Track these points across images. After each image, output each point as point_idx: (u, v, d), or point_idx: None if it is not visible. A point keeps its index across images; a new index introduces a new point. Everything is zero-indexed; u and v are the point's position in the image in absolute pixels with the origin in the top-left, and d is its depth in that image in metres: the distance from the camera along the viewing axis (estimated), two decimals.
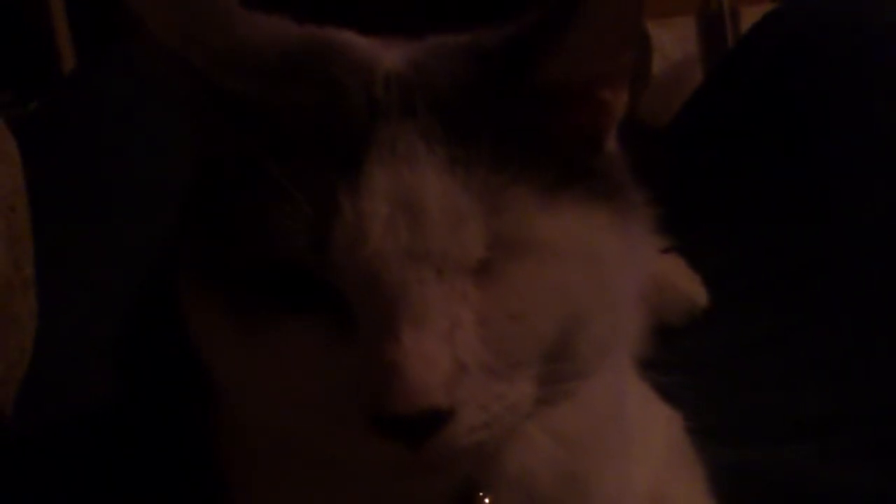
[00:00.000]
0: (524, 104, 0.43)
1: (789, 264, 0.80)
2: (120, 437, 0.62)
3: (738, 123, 0.94)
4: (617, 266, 0.44)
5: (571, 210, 0.43)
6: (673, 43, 1.60)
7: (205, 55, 0.42)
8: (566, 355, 0.43)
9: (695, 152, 0.96)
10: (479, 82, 0.43)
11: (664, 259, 0.82)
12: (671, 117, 1.07)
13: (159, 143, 0.76)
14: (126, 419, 0.63)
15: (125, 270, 0.74)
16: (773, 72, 0.95)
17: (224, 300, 0.42)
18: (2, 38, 1.27)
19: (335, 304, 0.40)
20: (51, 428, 0.63)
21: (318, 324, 0.40)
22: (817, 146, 0.86)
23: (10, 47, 1.27)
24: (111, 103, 0.87)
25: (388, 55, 0.46)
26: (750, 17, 1.26)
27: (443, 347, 0.39)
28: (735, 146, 0.92)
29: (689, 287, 0.81)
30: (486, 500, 0.47)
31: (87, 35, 1.33)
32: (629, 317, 0.50)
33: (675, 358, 0.65)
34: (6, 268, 0.58)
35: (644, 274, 0.53)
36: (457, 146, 0.41)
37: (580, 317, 0.43)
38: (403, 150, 0.40)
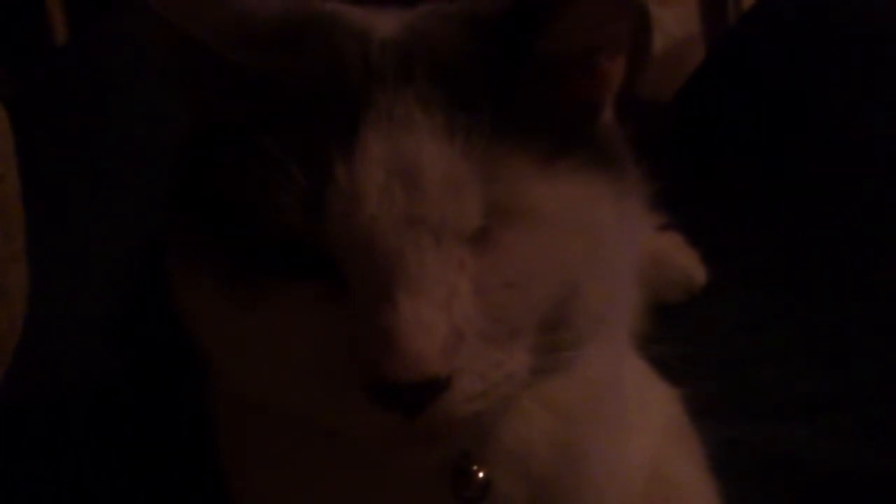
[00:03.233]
0: (522, 73, 0.43)
1: (787, 243, 0.79)
2: (112, 411, 0.62)
3: (739, 102, 0.94)
4: (612, 235, 0.44)
5: (568, 179, 0.43)
6: (674, 21, 1.59)
7: (206, 27, 0.42)
8: (562, 325, 0.43)
9: (695, 130, 0.95)
10: (478, 50, 0.43)
11: (663, 236, 0.81)
12: (672, 95, 1.07)
13: (152, 117, 0.76)
14: (119, 394, 0.63)
15: (117, 244, 0.74)
16: (774, 50, 0.95)
17: (217, 273, 0.42)
18: None
19: (331, 274, 0.40)
20: (41, 402, 0.62)
21: (314, 293, 0.40)
22: (818, 125, 0.86)
23: (2, 21, 1.26)
24: (103, 76, 0.87)
25: (383, 22, 0.45)
26: None
27: (439, 315, 0.39)
28: (735, 124, 0.92)
29: (688, 264, 0.80)
30: (481, 475, 0.47)
31: (79, 8, 1.33)
32: (625, 288, 0.50)
33: (672, 335, 0.65)
34: None
35: (641, 246, 0.54)
36: (456, 113, 0.40)
37: (575, 285, 0.43)
38: (400, 117, 0.40)
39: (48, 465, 0.59)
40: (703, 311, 0.78)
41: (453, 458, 0.47)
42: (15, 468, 0.58)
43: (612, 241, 0.45)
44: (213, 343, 0.45)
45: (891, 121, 0.83)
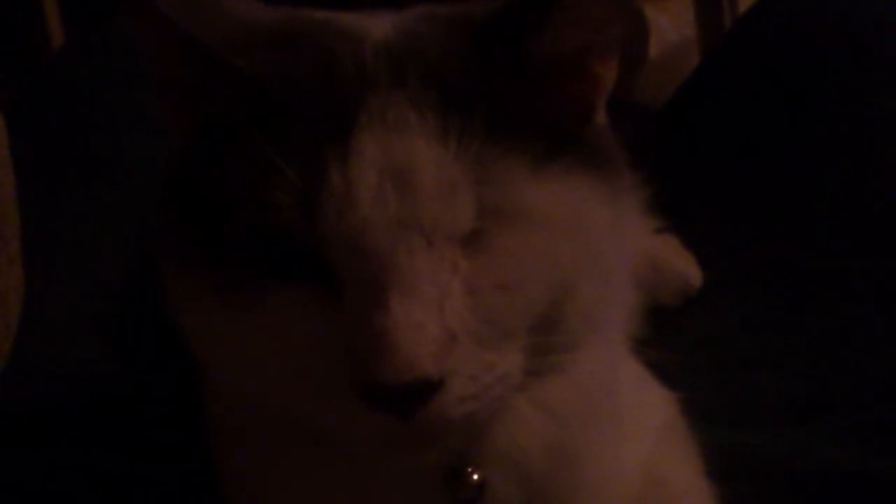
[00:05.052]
0: (515, 76, 0.43)
1: (783, 246, 0.79)
2: (108, 413, 0.62)
3: (734, 106, 0.94)
4: (605, 236, 0.45)
5: (560, 180, 0.43)
6: (670, 25, 1.60)
7: (206, 29, 0.42)
8: (555, 326, 0.43)
9: (690, 134, 0.95)
10: (470, 53, 0.43)
11: (658, 238, 0.81)
12: (667, 100, 1.07)
13: (147, 120, 0.76)
14: (115, 395, 0.63)
15: (112, 247, 0.74)
16: (769, 55, 0.95)
17: (210, 274, 0.42)
18: None
19: (325, 275, 0.40)
20: (37, 404, 0.62)
21: (308, 294, 0.40)
22: (813, 128, 0.86)
23: None
24: (98, 80, 0.87)
25: (376, 25, 0.46)
26: None
27: (432, 317, 0.39)
28: (730, 128, 0.92)
29: (683, 266, 0.80)
30: (476, 477, 0.47)
31: (75, 13, 1.33)
32: (619, 290, 0.50)
33: (669, 338, 0.65)
34: None
35: (636, 249, 0.53)
36: (449, 115, 0.41)
37: (568, 286, 0.43)
38: (394, 119, 0.40)
39: (44, 465, 0.59)
40: (699, 314, 0.78)
41: (448, 460, 0.46)
42: (11, 469, 0.58)
43: (605, 242, 0.45)
44: (206, 345, 0.45)
45: (886, 124, 0.83)
